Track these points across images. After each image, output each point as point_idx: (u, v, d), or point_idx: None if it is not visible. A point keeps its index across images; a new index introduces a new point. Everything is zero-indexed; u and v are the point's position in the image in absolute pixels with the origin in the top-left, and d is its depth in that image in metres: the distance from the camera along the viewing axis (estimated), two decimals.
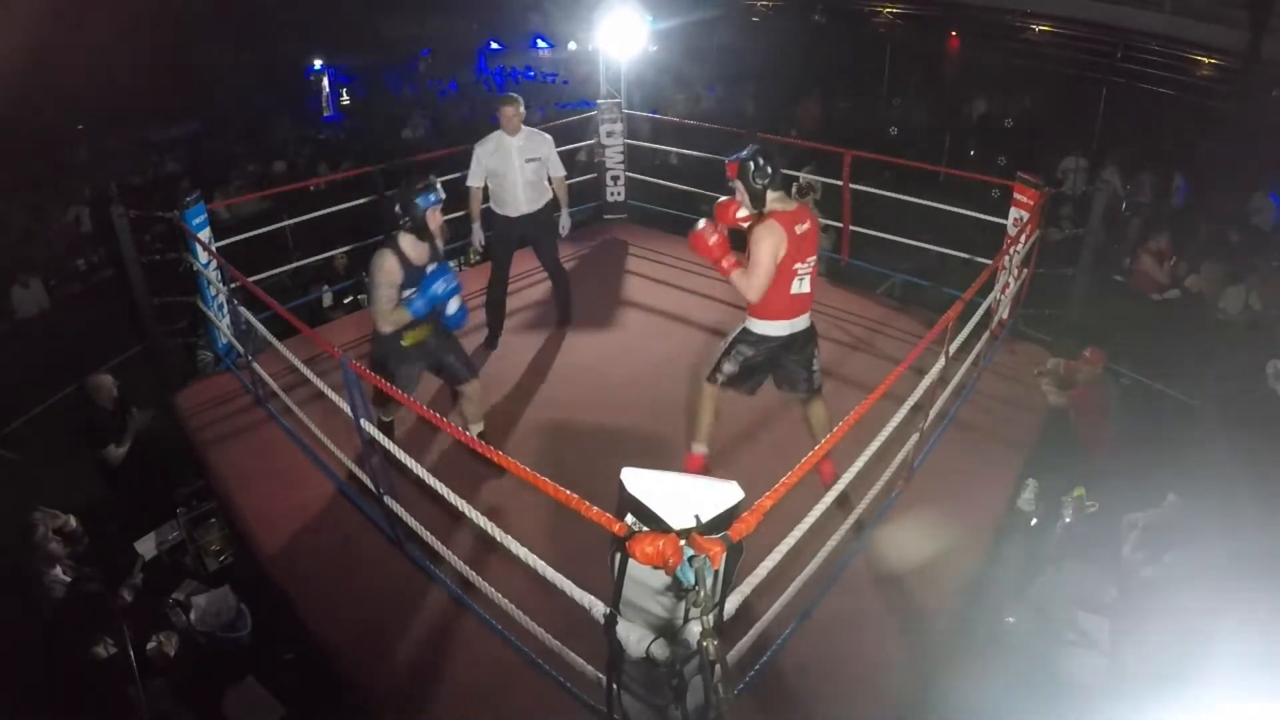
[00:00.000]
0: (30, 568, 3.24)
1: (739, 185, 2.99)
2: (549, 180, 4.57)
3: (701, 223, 3.11)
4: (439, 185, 3.24)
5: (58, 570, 3.26)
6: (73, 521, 3.50)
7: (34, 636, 3.12)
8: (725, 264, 3.05)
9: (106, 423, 4.18)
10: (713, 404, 3.36)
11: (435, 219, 3.23)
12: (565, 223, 4.82)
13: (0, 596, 3.39)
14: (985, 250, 4.84)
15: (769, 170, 2.92)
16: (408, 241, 3.21)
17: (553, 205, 4.67)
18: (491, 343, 4.84)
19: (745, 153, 2.96)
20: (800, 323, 3.19)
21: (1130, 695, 2.74)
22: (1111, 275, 6.62)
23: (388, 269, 3.14)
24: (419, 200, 3.15)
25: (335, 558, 3.27)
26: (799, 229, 2.99)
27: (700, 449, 3.46)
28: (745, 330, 3.20)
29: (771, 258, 2.95)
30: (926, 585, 3.03)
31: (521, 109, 4.37)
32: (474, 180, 4.45)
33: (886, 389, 2.53)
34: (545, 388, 4.39)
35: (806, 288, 3.10)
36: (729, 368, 3.25)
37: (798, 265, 3.02)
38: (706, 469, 3.48)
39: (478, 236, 4.66)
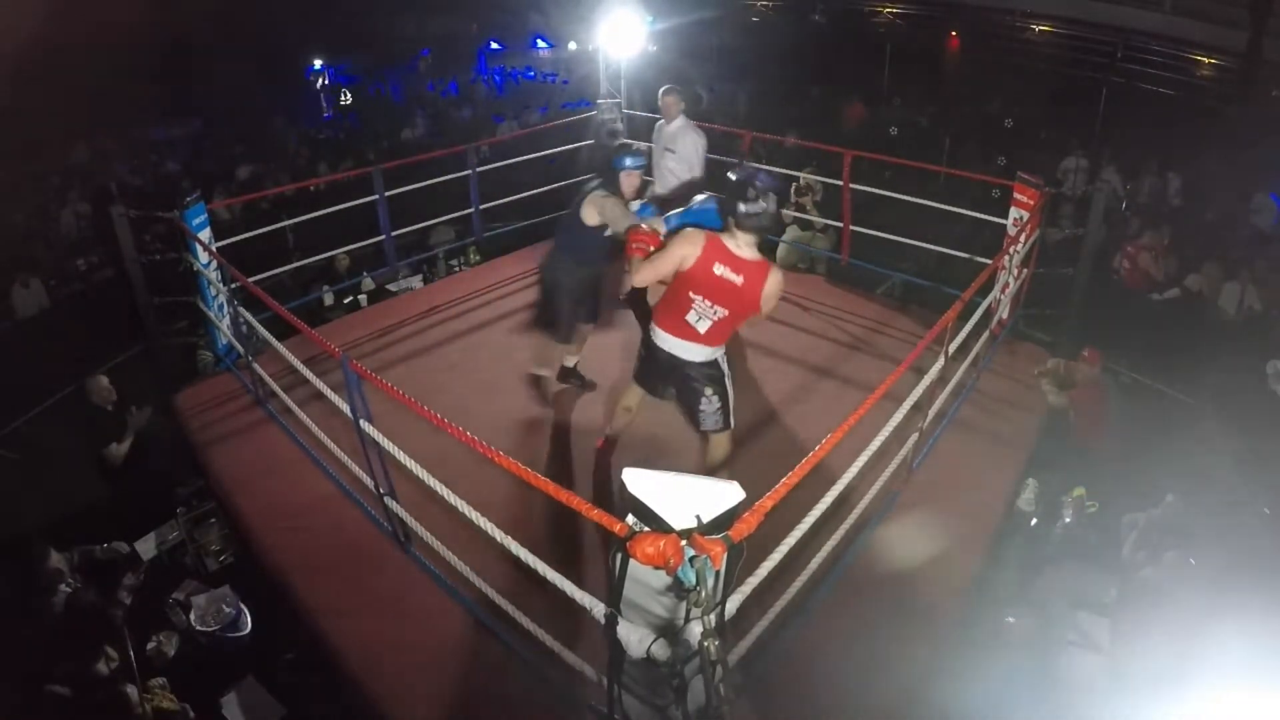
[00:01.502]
0: (38, 582, 3.21)
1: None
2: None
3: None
4: (640, 152, 3.55)
5: (63, 587, 3.24)
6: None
7: (36, 644, 3.11)
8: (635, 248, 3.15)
9: (106, 422, 4.18)
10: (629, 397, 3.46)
11: (630, 180, 3.52)
12: None
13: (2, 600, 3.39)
14: (985, 250, 4.84)
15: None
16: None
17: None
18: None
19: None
20: (685, 350, 3.02)
21: (1130, 695, 2.74)
22: (1111, 275, 6.63)
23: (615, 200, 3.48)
24: (615, 160, 3.47)
25: (335, 558, 3.27)
26: (719, 270, 2.83)
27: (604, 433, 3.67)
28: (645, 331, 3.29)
29: (672, 262, 2.88)
30: (926, 585, 3.02)
31: (675, 99, 4.65)
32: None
33: (886, 389, 2.53)
34: (546, 388, 4.38)
35: (703, 329, 2.95)
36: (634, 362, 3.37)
37: (692, 293, 2.89)
38: (607, 448, 3.63)
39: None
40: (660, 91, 4.76)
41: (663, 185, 4.76)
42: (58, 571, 3.26)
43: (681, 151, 4.62)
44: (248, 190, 8.20)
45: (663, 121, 4.76)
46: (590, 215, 3.51)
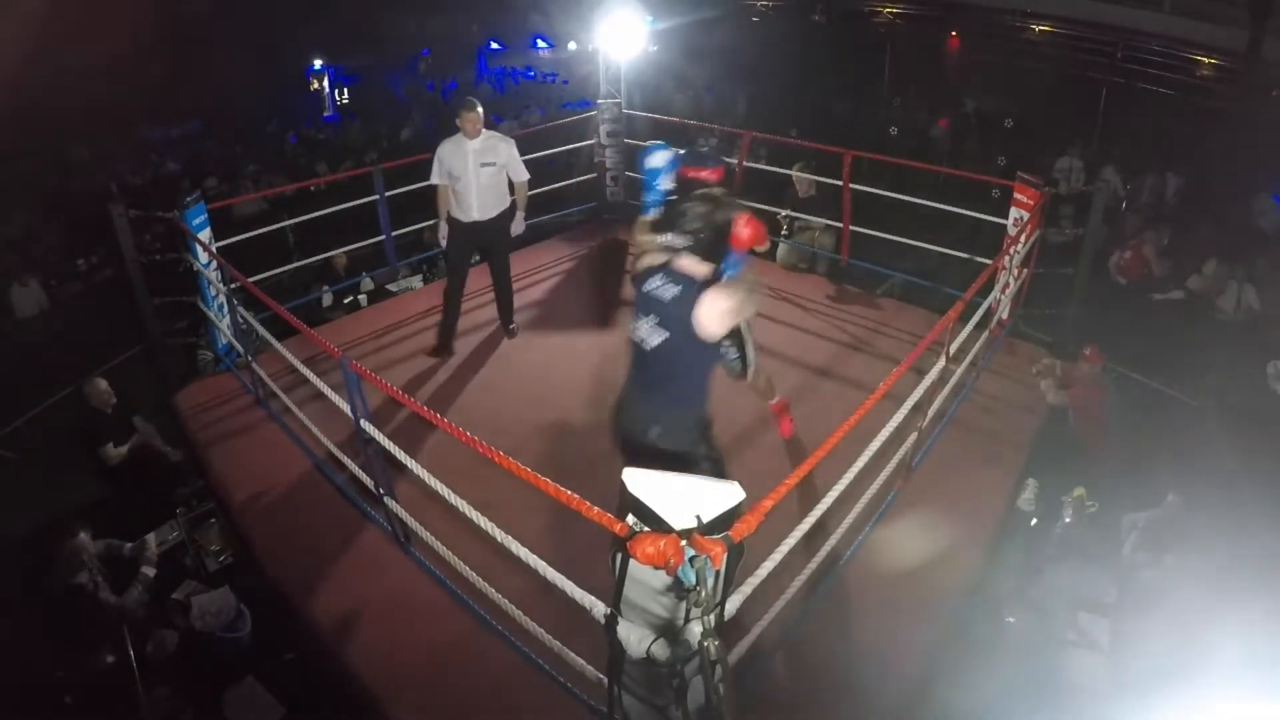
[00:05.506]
0: (60, 568, 3.20)
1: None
2: (511, 186, 4.52)
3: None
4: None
5: (84, 575, 3.23)
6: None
7: (41, 639, 3.12)
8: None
9: (104, 425, 4.18)
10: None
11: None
12: (518, 226, 4.67)
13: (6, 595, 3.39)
14: (985, 250, 4.84)
15: None
16: None
17: (510, 212, 4.58)
18: (441, 351, 4.70)
19: (716, 159, 3.07)
20: None
21: (1130, 695, 2.74)
22: (1112, 276, 6.63)
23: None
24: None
25: (335, 558, 3.27)
26: None
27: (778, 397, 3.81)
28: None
29: None
30: (926, 585, 3.02)
31: (480, 113, 4.30)
32: (434, 179, 4.42)
33: (886, 389, 2.53)
34: (546, 388, 4.38)
35: None
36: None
37: None
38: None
39: (442, 233, 4.53)
40: (460, 108, 4.29)
41: (481, 206, 4.39)
42: (83, 549, 3.24)
43: (503, 161, 4.39)
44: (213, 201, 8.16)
45: (461, 136, 4.30)
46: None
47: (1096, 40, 10.73)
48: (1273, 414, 4.46)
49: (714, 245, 2.36)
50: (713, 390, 2.54)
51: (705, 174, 2.97)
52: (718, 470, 2.54)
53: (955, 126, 10.14)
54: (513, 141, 4.48)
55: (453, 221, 4.47)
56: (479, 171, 4.32)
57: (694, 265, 2.37)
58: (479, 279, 4.97)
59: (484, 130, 4.35)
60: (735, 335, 3.32)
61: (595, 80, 6.38)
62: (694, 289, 2.33)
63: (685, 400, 2.46)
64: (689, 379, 2.47)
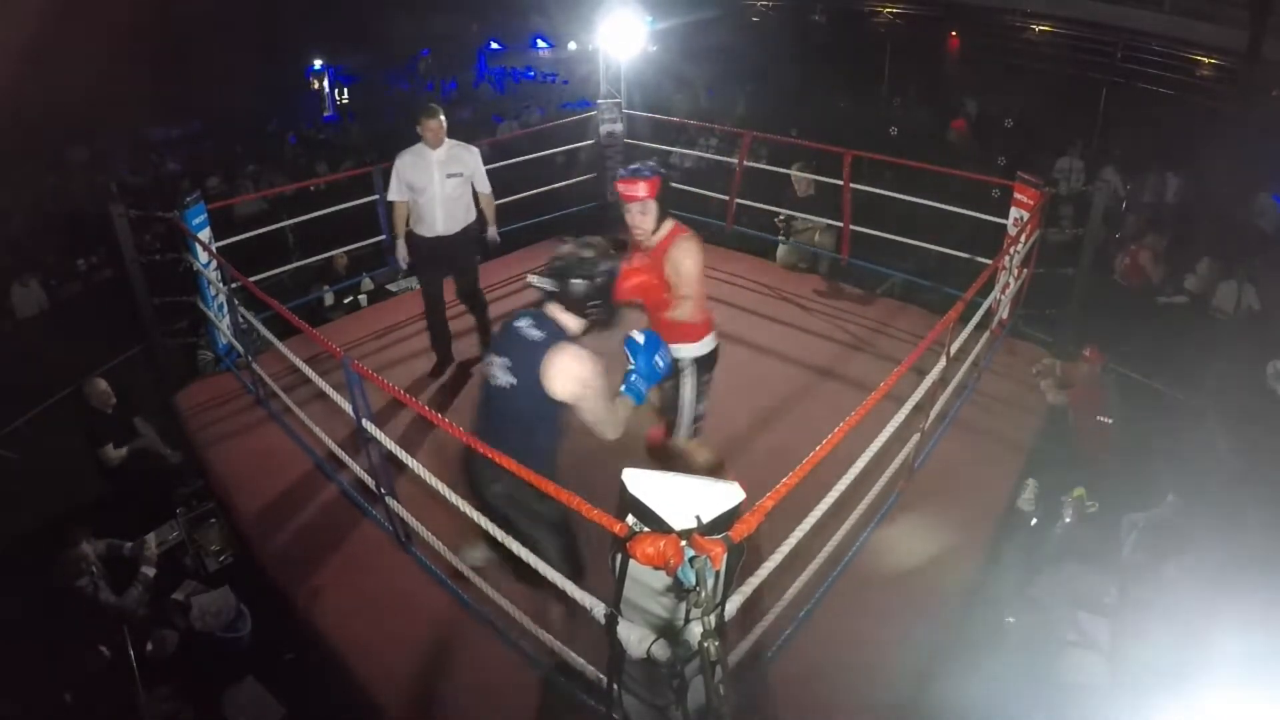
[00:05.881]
0: (61, 571, 3.22)
1: (653, 205, 2.74)
2: (476, 199, 4.28)
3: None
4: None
5: (84, 581, 3.24)
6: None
7: (42, 640, 3.12)
8: (666, 299, 2.77)
9: (104, 425, 4.18)
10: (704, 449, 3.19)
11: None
12: (494, 236, 4.51)
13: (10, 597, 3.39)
14: (985, 250, 4.84)
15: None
16: None
17: (476, 227, 4.34)
18: (442, 368, 4.57)
19: (653, 170, 2.74)
20: None
21: (1130, 695, 2.74)
22: (1111, 276, 6.63)
23: None
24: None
25: (335, 558, 3.27)
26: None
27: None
28: (698, 359, 2.93)
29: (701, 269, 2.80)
30: (927, 585, 3.03)
31: (443, 120, 4.01)
32: (393, 194, 4.11)
33: (887, 389, 2.53)
34: None
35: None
36: (701, 408, 3.03)
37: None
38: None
39: (401, 253, 4.25)
40: (420, 115, 3.98)
41: (446, 219, 4.10)
42: (84, 558, 3.25)
43: (469, 171, 4.12)
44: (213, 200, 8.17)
45: (422, 146, 4.01)
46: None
47: (1096, 40, 10.72)
48: (1273, 414, 4.45)
49: (585, 299, 2.21)
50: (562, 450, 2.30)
51: (640, 185, 2.69)
52: (561, 540, 2.31)
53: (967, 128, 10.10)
54: (477, 151, 4.23)
55: (416, 238, 4.17)
56: (444, 183, 4.04)
57: (565, 317, 2.24)
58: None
59: (447, 139, 4.07)
60: (673, 378, 2.92)
61: (595, 80, 6.38)
62: (558, 340, 2.17)
63: (528, 457, 2.11)
64: (534, 434, 2.24)
